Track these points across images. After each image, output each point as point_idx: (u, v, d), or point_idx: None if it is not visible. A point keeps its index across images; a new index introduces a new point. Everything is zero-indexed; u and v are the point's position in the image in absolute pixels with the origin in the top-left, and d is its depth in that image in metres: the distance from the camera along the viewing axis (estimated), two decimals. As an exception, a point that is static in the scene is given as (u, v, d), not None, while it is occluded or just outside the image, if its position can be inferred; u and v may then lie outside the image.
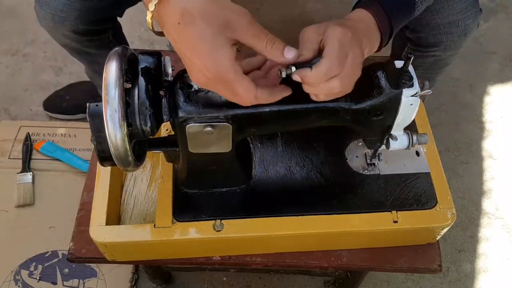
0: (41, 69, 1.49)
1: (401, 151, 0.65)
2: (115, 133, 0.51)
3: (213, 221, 0.66)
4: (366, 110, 0.57)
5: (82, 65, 1.15)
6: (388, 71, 0.56)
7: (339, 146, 0.74)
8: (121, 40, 1.09)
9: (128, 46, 1.16)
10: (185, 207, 0.68)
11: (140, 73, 0.55)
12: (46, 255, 1.10)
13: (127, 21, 1.59)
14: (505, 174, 1.33)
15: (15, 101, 1.42)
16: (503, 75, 1.53)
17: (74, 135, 1.27)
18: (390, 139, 0.62)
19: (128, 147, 0.52)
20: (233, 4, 0.49)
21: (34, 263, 1.09)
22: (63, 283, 1.07)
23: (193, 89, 0.56)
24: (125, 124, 0.51)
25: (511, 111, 1.45)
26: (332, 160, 0.73)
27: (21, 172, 1.19)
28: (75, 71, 1.47)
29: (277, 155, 0.72)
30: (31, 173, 1.18)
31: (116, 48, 0.53)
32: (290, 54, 0.51)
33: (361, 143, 0.74)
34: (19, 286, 1.06)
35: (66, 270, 1.08)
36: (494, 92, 1.49)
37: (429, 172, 0.71)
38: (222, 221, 0.66)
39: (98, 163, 0.62)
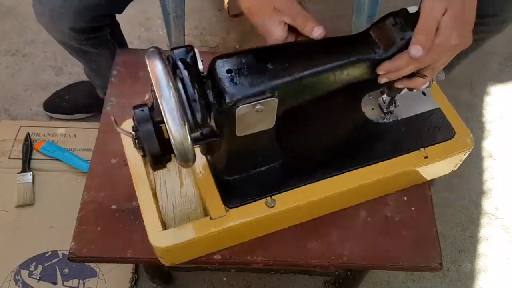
0: (41, 69, 1.49)
1: (408, 94, 0.72)
2: (178, 131, 0.52)
3: (263, 200, 0.68)
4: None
5: (82, 65, 1.15)
6: (405, 18, 0.60)
7: (354, 103, 0.78)
8: (119, 39, 1.09)
9: (127, 46, 1.16)
10: (232, 193, 0.69)
11: (180, 67, 0.55)
12: (46, 255, 1.10)
13: (127, 21, 1.59)
14: (505, 174, 1.33)
15: (15, 101, 1.42)
16: (503, 75, 1.53)
17: (74, 135, 1.27)
18: None
19: (190, 143, 0.53)
20: None
21: (34, 263, 1.09)
22: (63, 283, 1.07)
23: (234, 73, 0.56)
24: (185, 121, 0.52)
25: (511, 111, 1.45)
26: (352, 117, 0.77)
27: (21, 172, 1.19)
28: (75, 71, 1.48)
29: (304, 124, 0.74)
30: (31, 173, 1.18)
31: (151, 49, 0.54)
32: (317, 33, 0.61)
33: (371, 96, 0.78)
34: (19, 286, 1.06)
35: (66, 270, 1.08)
36: (494, 92, 1.49)
37: (439, 108, 0.78)
38: (272, 197, 0.68)
39: (133, 174, 0.67)
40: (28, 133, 1.25)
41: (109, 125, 0.84)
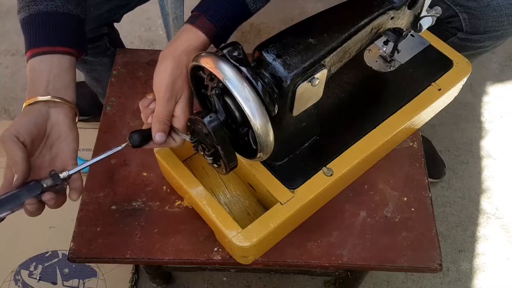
0: (41, 69, 1.49)
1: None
2: (264, 126, 0.54)
3: (320, 172, 0.70)
4: (407, 4, 0.66)
5: (84, 75, 1.14)
6: None
7: (359, 61, 0.82)
8: (118, 46, 1.08)
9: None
10: (289, 176, 0.70)
11: (240, 64, 0.56)
12: (46, 255, 1.10)
13: (127, 21, 1.59)
14: (504, 174, 1.33)
15: (15, 101, 1.42)
16: (503, 75, 1.53)
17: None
18: (420, 22, 0.71)
19: (273, 135, 0.56)
20: (12, 128, 0.58)
21: (34, 263, 1.09)
22: (63, 283, 1.07)
23: (284, 56, 0.57)
24: (267, 116, 0.55)
25: (511, 111, 1.45)
26: (363, 74, 0.81)
27: (21, 172, 1.18)
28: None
29: (326, 93, 0.76)
30: (31, 173, 1.18)
31: (210, 54, 0.55)
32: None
33: (370, 51, 0.83)
34: (19, 286, 1.06)
35: (66, 270, 1.08)
36: (494, 92, 1.49)
37: (430, 44, 0.83)
38: (327, 166, 0.71)
39: (186, 185, 0.68)
40: (28, 133, 1.25)
41: (109, 125, 0.85)
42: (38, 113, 0.61)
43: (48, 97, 0.62)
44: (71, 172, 0.60)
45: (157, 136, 0.62)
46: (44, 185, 0.58)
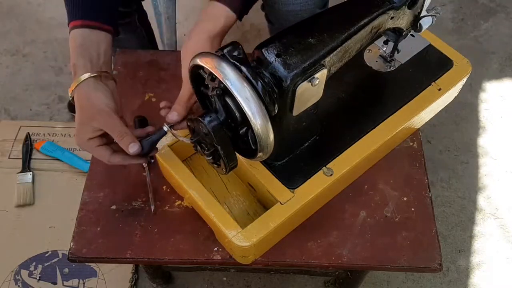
0: (41, 69, 1.49)
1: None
2: (264, 126, 0.55)
3: (320, 172, 0.70)
4: (407, 4, 0.66)
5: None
6: None
7: (359, 61, 0.82)
8: (147, 27, 1.11)
9: (154, 36, 1.18)
10: (289, 176, 0.70)
11: (240, 64, 0.56)
12: (46, 255, 1.10)
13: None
14: (504, 174, 1.33)
15: (15, 101, 1.42)
16: (503, 75, 1.53)
17: (74, 135, 1.27)
18: (420, 22, 0.71)
19: (273, 135, 0.57)
20: (100, 103, 0.65)
21: (34, 263, 1.09)
22: (63, 283, 1.07)
23: (283, 56, 0.57)
24: (267, 116, 0.55)
25: (511, 111, 1.45)
26: (363, 74, 0.81)
27: (21, 172, 1.19)
28: (75, 71, 1.47)
29: (326, 93, 0.76)
30: (31, 173, 1.19)
31: (210, 54, 0.55)
32: (132, 149, 0.64)
33: (370, 51, 0.83)
34: (19, 286, 1.06)
35: (66, 270, 1.08)
36: (494, 92, 1.49)
37: (430, 44, 0.83)
38: (327, 166, 0.71)
39: (186, 185, 0.68)
40: (28, 133, 1.25)
41: (109, 125, 0.84)
42: (103, 87, 0.67)
43: (109, 73, 0.69)
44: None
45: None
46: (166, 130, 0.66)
